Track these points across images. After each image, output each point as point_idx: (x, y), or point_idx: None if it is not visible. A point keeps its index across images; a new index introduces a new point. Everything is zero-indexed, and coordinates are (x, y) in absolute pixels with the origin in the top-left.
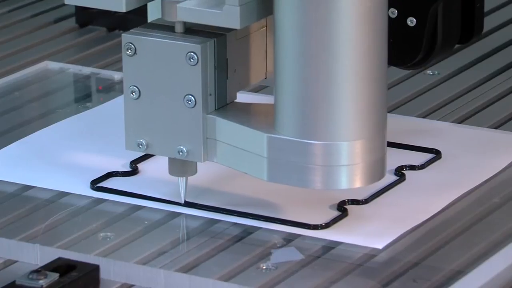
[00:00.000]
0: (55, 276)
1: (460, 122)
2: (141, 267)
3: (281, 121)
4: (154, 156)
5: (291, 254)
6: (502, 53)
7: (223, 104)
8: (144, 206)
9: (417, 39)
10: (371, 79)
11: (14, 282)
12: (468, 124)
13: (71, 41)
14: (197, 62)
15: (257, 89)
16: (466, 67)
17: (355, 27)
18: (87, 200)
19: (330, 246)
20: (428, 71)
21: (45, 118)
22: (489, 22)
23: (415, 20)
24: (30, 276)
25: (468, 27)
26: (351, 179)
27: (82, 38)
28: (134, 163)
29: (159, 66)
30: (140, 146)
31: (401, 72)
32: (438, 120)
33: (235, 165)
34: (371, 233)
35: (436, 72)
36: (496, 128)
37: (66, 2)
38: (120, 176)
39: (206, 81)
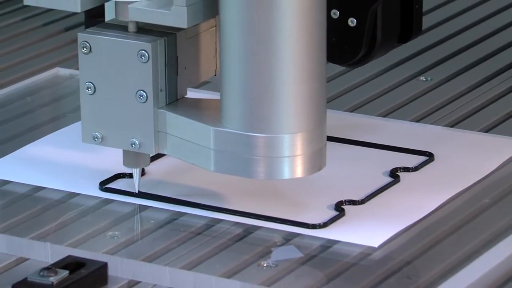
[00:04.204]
0: (65, 273)
1: (452, 126)
2: (147, 264)
3: (226, 115)
4: (160, 158)
5: (290, 252)
6: (491, 60)
7: (174, 100)
8: (150, 206)
9: (358, 39)
10: (310, 75)
11: (26, 279)
12: (459, 128)
13: None
14: (148, 60)
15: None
16: (457, 74)
17: (295, 25)
18: (96, 200)
19: (328, 244)
20: (421, 78)
21: (56, 122)
22: (477, 32)
23: (355, 20)
24: (41, 273)
25: (407, 27)
26: (293, 170)
27: None
28: None
29: (113, 63)
30: (96, 139)
31: (395, 79)
32: (431, 124)
33: (184, 156)
34: (367, 232)
35: (429, 78)
36: (486, 132)
37: (25, 3)
38: (128, 178)
39: (157, 77)
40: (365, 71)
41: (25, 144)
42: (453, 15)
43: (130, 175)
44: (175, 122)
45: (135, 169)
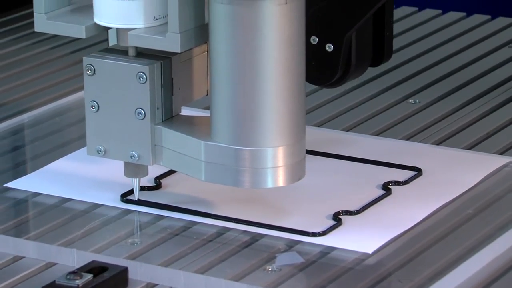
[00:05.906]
0: (89, 276)
1: (438, 144)
2: (163, 268)
3: (215, 131)
4: (175, 173)
5: (293, 258)
6: (473, 85)
7: (169, 117)
8: (167, 216)
9: (334, 62)
10: (291, 95)
11: (54, 281)
12: (445, 145)
13: None
14: (146, 81)
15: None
16: (443, 97)
17: (277, 51)
18: (118, 211)
19: (327, 251)
20: (410, 100)
21: (82, 140)
22: (460, 60)
23: (332, 46)
24: (68, 277)
25: (379, 52)
26: (275, 179)
27: None
28: (158, 179)
29: (115, 84)
30: (99, 151)
31: (386, 101)
32: (419, 142)
33: (178, 167)
34: (362, 239)
35: (417, 100)
36: (469, 149)
37: (36, 30)
38: (146, 190)
39: (154, 97)
40: (359, 94)
41: (54, 160)
42: (440, 43)
43: (149, 188)
44: (170, 136)
45: (135, 179)
